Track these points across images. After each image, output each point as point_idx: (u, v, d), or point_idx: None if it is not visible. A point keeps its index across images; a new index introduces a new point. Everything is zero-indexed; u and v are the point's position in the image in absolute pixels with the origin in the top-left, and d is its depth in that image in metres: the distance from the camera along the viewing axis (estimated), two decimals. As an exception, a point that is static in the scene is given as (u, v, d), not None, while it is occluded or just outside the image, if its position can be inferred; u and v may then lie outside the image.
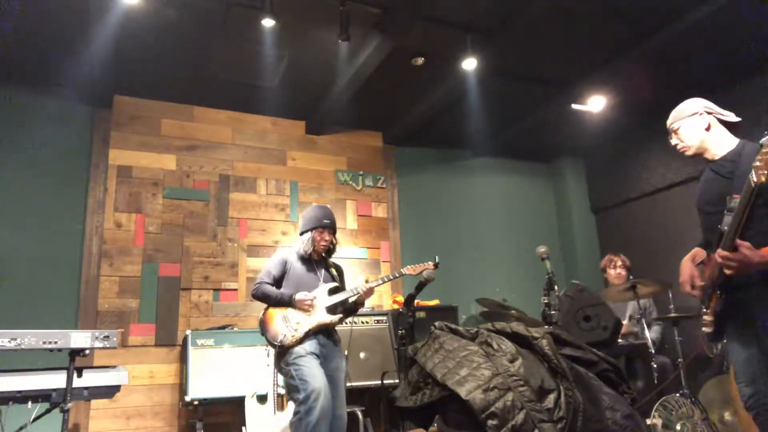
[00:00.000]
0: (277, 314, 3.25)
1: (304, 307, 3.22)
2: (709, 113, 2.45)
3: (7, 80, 4.48)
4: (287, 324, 3.19)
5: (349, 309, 3.41)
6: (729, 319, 2.35)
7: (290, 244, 4.81)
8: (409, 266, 3.41)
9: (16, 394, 2.76)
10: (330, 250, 3.48)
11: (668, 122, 2.53)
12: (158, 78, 4.62)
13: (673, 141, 2.52)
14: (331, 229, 3.40)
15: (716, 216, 2.27)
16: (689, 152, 2.47)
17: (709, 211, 2.39)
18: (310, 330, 3.17)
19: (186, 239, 4.80)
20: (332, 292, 3.34)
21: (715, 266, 2.28)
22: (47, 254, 4.37)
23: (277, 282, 3.38)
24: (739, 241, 2.11)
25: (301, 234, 3.44)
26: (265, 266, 3.45)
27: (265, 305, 3.32)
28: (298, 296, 3.23)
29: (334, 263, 3.56)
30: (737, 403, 3.37)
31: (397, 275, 3.43)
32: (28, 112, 4.54)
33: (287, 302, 3.24)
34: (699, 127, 2.44)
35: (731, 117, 2.46)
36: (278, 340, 3.16)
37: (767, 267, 2.11)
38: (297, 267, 3.39)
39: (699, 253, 2.54)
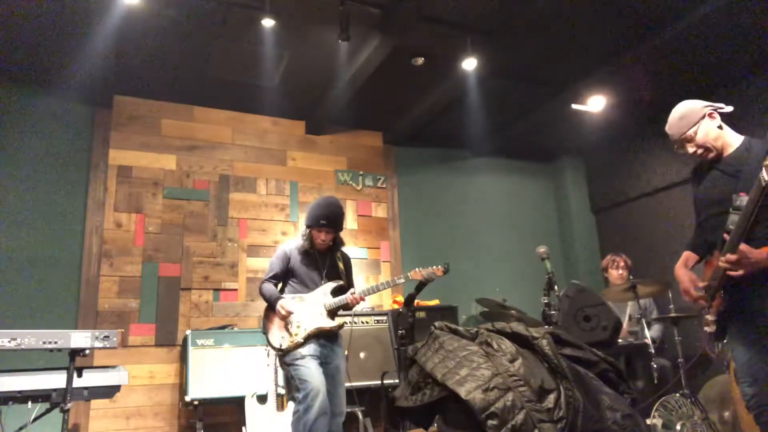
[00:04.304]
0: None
1: (279, 317, 3.18)
2: (713, 109, 2.41)
3: (8, 80, 4.48)
4: (289, 326, 3.18)
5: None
6: (732, 319, 2.35)
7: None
8: (417, 269, 3.27)
9: (16, 394, 2.77)
10: (333, 246, 3.37)
11: (679, 132, 2.42)
12: (158, 78, 4.62)
13: (691, 149, 2.42)
14: (330, 228, 3.26)
15: (722, 216, 2.26)
16: (712, 155, 2.40)
17: (714, 212, 2.37)
18: (309, 335, 3.14)
19: (186, 239, 4.80)
20: (336, 292, 3.27)
21: (719, 269, 2.27)
22: (47, 254, 4.37)
23: (283, 277, 3.33)
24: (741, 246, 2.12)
25: (306, 227, 3.34)
26: (269, 262, 3.40)
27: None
28: (278, 306, 3.17)
29: (342, 254, 3.46)
30: (737, 403, 3.37)
31: (403, 279, 3.32)
32: (28, 112, 4.55)
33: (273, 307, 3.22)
34: (714, 127, 2.39)
35: (727, 108, 2.42)
36: (277, 345, 3.17)
37: None
38: (299, 262, 3.31)
39: (690, 257, 2.54)
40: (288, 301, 3.20)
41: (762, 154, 2.19)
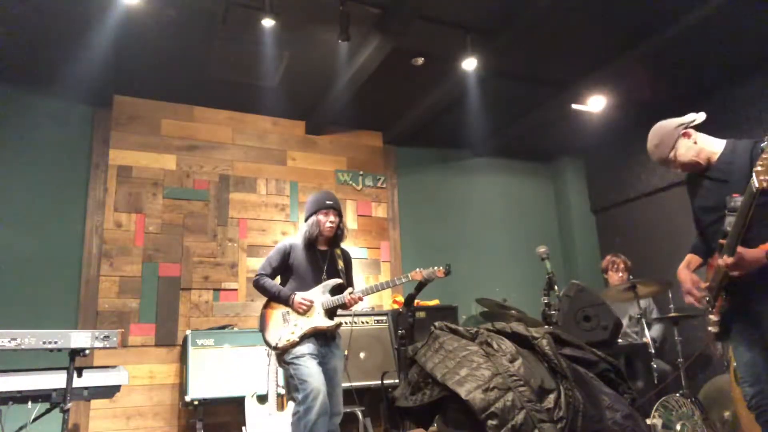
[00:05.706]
0: (277, 313, 3.22)
1: (300, 311, 3.16)
2: (685, 128, 2.46)
3: (7, 80, 4.48)
4: (286, 325, 3.17)
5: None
6: (735, 319, 2.37)
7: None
8: (417, 270, 3.27)
9: (16, 394, 2.77)
10: (337, 236, 3.35)
11: (660, 158, 2.50)
12: (158, 78, 4.62)
13: (677, 168, 2.50)
14: (336, 210, 3.29)
15: (719, 223, 2.30)
16: (700, 167, 2.44)
17: (712, 219, 2.40)
18: (305, 333, 3.13)
19: (186, 239, 4.80)
20: (334, 291, 3.26)
21: (719, 270, 2.30)
22: (47, 254, 4.37)
23: (280, 273, 3.31)
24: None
25: (306, 220, 3.32)
26: (267, 256, 3.36)
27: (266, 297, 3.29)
28: (297, 298, 3.16)
29: (342, 251, 3.43)
30: (737, 403, 3.38)
31: (404, 279, 3.32)
32: (28, 112, 4.54)
33: (285, 301, 3.19)
34: (691, 144, 2.44)
35: (700, 118, 2.47)
36: (273, 344, 3.15)
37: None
38: (301, 258, 3.28)
39: (693, 259, 2.59)
40: (305, 293, 3.19)
41: (747, 154, 2.24)
